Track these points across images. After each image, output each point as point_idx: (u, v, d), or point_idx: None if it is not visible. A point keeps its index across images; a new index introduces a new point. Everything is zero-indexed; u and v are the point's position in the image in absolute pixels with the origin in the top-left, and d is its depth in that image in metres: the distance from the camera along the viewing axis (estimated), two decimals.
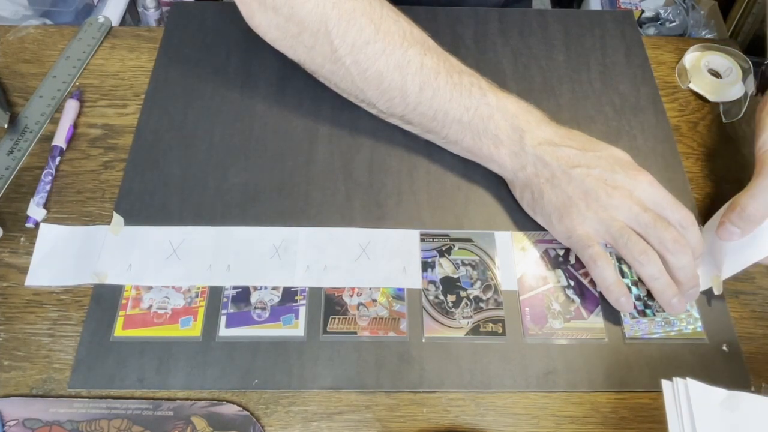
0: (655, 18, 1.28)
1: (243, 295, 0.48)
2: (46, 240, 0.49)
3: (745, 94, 0.60)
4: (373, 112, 0.54)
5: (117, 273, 0.48)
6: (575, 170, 0.48)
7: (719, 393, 0.39)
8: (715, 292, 0.48)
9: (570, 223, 0.48)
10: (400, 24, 0.49)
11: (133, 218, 0.51)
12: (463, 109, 0.50)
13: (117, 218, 0.50)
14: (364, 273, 0.48)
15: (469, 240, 0.51)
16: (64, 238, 0.49)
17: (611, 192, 0.47)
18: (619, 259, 0.50)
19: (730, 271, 0.48)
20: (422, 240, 0.51)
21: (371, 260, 0.49)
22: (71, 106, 0.57)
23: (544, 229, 0.51)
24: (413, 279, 0.48)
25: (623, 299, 0.46)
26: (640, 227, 0.46)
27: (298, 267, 0.48)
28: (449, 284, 0.49)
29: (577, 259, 0.50)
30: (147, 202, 0.52)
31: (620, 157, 0.49)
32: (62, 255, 0.49)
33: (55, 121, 0.57)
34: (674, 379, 0.40)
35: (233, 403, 0.43)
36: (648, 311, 0.48)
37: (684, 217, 0.47)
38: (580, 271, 0.50)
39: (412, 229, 0.51)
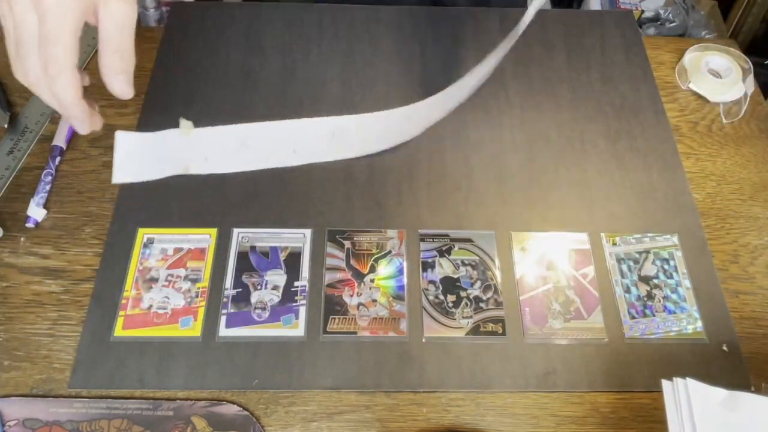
0: (655, 18, 1.28)
1: (243, 295, 0.48)
2: (125, 144, 0.49)
3: (745, 94, 0.60)
4: None
5: (197, 164, 0.52)
6: None
7: (719, 393, 0.39)
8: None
9: None
10: None
11: (133, 218, 0.51)
12: None
13: (185, 122, 0.52)
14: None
15: (469, 240, 0.51)
16: (141, 142, 0.51)
17: None
18: (620, 260, 0.50)
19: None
20: (422, 240, 0.51)
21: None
22: None
23: (544, 230, 0.51)
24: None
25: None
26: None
27: (354, 144, 0.54)
28: (449, 284, 0.49)
29: (577, 259, 0.50)
30: (147, 202, 0.52)
31: None
32: (142, 155, 0.50)
33: (55, 121, 0.57)
34: (674, 379, 0.40)
35: (233, 403, 0.43)
36: (647, 311, 0.48)
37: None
38: (580, 271, 0.50)
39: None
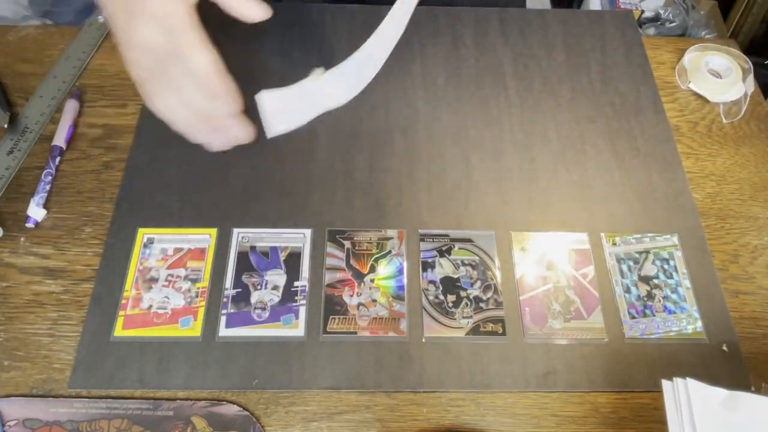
0: (655, 18, 1.28)
1: (243, 295, 0.48)
2: (271, 102, 0.52)
3: (745, 94, 0.60)
4: None
5: (333, 100, 0.57)
6: None
7: (719, 393, 0.39)
8: None
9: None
10: None
11: (133, 218, 0.51)
12: None
13: (317, 70, 0.54)
14: None
15: (469, 240, 0.51)
16: (284, 96, 0.53)
17: None
18: (620, 260, 0.50)
19: None
20: (422, 240, 0.51)
21: None
22: (71, 106, 0.57)
23: (544, 230, 0.51)
24: None
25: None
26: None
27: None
28: (449, 284, 0.49)
29: (577, 259, 0.50)
30: (147, 202, 0.52)
31: None
32: (288, 108, 0.54)
33: (55, 121, 0.57)
34: (674, 379, 0.40)
35: (233, 403, 0.43)
36: (647, 311, 0.48)
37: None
38: (580, 271, 0.50)
39: None
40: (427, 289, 0.48)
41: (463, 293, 0.48)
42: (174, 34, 0.41)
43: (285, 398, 0.44)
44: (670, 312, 0.48)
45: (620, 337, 0.47)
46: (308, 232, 0.51)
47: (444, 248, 0.50)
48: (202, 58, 0.42)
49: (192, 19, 0.42)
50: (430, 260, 0.50)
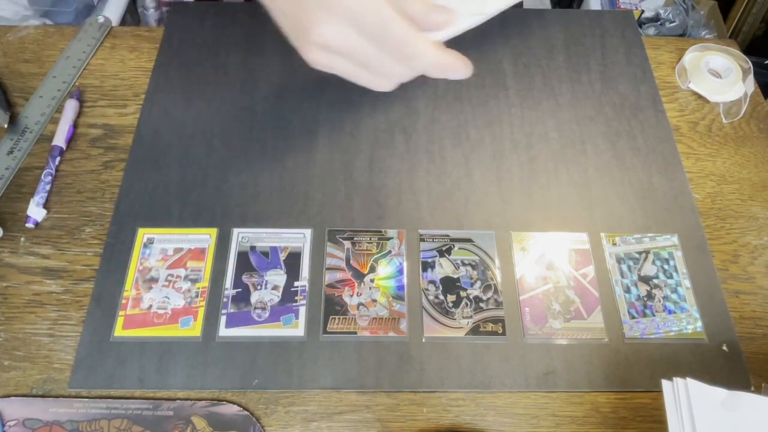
0: (655, 18, 1.28)
1: (243, 295, 0.48)
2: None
3: (745, 94, 0.60)
4: None
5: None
6: None
7: (719, 393, 0.39)
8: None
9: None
10: None
11: (133, 218, 0.51)
12: None
13: None
14: None
15: (469, 240, 0.51)
16: None
17: None
18: (620, 260, 0.50)
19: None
20: (422, 240, 0.51)
21: None
22: (71, 106, 0.57)
23: (544, 230, 0.51)
24: None
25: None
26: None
27: None
28: (449, 284, 0.49)
29: (577, 259, 0.50)
30: (147, 202, 0.52)
31: None
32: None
33: (55, 121, 0.57)
34: (674, 379, 0.40)
35: (233, 403, 0.43)
36: (647, 311, 0.48)
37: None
38: (580, 272, 0.50)
39: None
40: (427, 289, 0.48)
41: (463, 293, 0.48)
42: (383, 36, 0.39)
43: (285, 398, 0.44)
44: (670, 312, 0.48)
45: (620, 337, 0.47)
46: (308, 232, 0.51)
47: (444, 248, 0.50)
48: (424, 52, 0.40)
49: (395, 10, 0.38)
50: (430, 260, 0.50)
